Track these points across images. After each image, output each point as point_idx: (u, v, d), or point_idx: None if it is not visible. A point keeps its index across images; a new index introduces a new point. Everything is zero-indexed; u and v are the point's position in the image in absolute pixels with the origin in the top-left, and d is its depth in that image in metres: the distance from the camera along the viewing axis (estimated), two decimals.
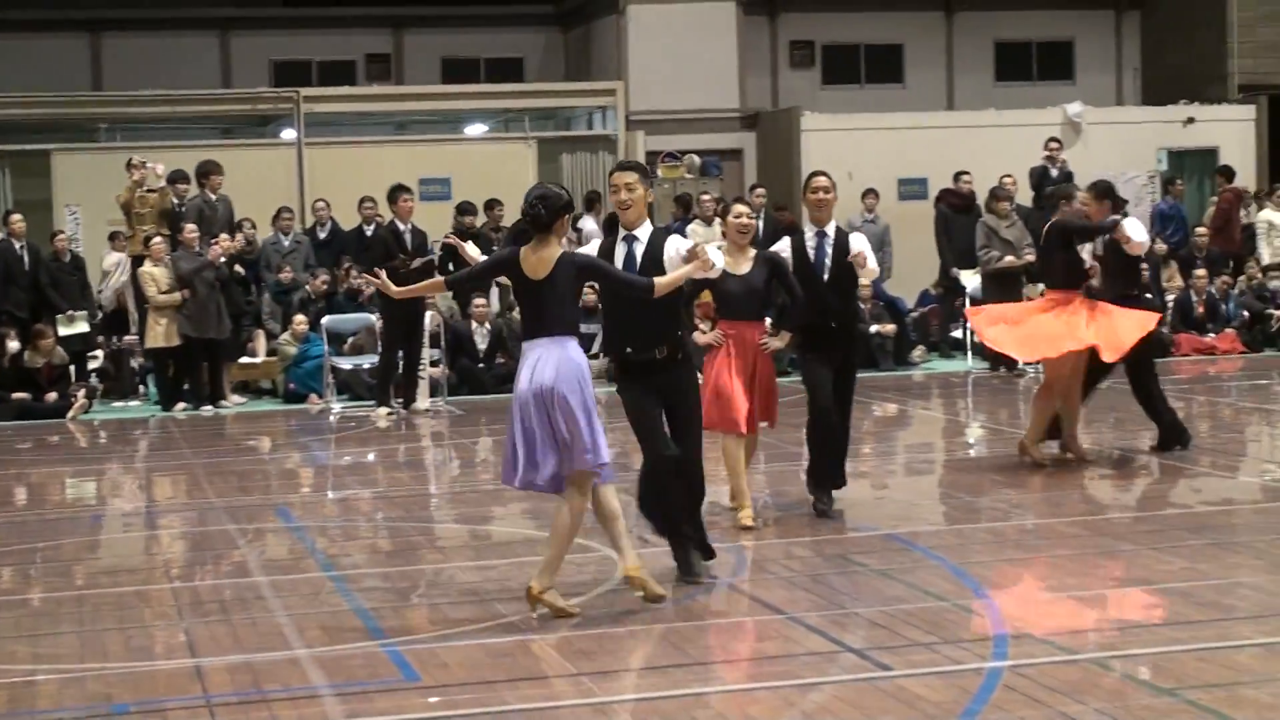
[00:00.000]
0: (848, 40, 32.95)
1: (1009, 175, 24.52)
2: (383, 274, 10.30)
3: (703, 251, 9.68)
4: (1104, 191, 14.72)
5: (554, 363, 9.14)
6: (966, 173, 24.40)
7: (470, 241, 12.08)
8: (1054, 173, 25.65)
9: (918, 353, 23.48)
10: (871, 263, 12.02)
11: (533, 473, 9.24)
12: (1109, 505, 12.96)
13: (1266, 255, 25.54)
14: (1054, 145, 26.02)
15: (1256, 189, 28.58)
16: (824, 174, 12.17)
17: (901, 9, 33.00)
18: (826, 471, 12.22)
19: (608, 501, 9.42)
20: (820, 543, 11.29)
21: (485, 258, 10.02)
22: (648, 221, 10.12)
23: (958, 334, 23.94)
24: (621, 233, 10.09)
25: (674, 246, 9.97)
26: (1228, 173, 27.93)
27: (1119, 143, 29.30)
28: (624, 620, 9.17)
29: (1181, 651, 8.21)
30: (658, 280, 9.57)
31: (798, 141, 28.60)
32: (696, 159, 28.88)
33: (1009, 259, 21.71)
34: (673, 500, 9.98)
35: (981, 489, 13.29)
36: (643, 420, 9.90)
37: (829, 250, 11.92)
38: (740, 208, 11.89)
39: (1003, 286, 21.08)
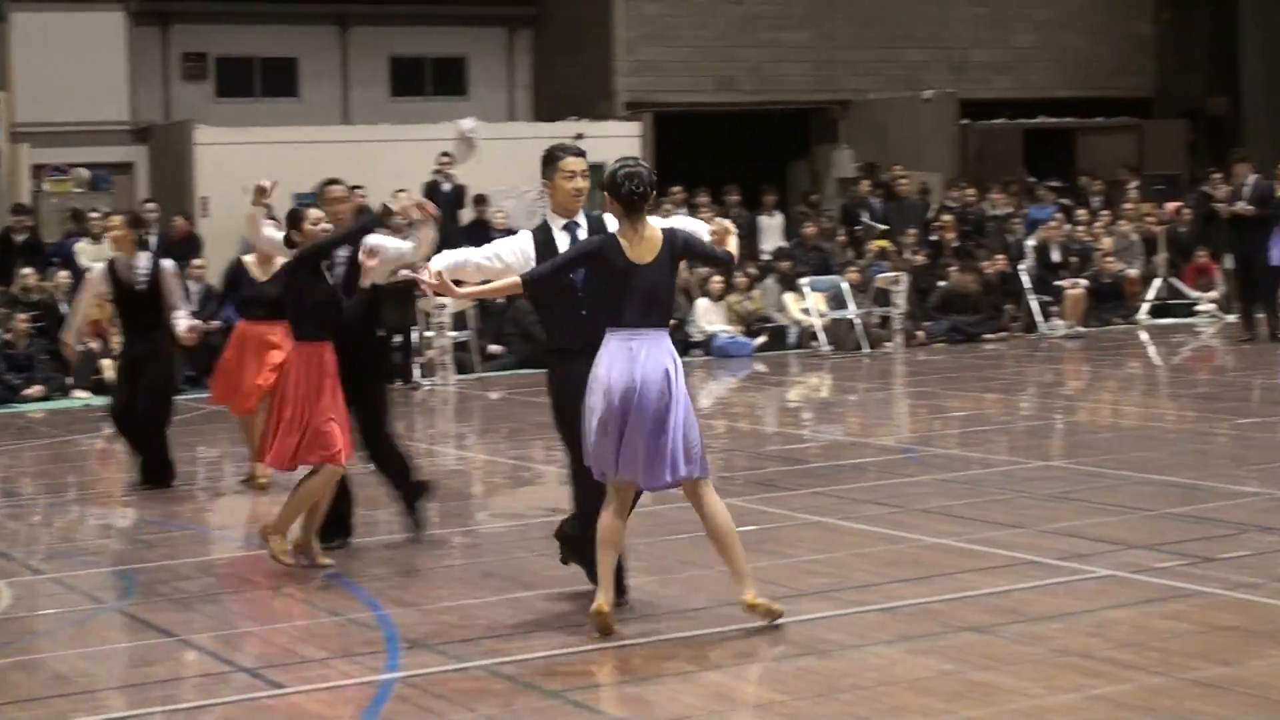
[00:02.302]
0: (242, 53, 32.57)
1: (404, 189, 24.68)
2: (446, 275, 9.37)
3: (726, 224, 9.41)
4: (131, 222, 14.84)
5: (658, 359, 8.72)
6: (361, 186, 24.44)
7: None
8: (446, 187, 26.08)
9: None
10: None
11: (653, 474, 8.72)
12: (500, 516, 13.17)
13: None
14: (445, 160, 26.38)
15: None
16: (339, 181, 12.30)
17: (296, 23, 32.83)
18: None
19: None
20: (210, 563, 11.16)
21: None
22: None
23: None
24: (562, 221, 9.58)
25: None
26: None
27: (512, 158, 29.79)
28: None
29: (571, 654, 8.40)
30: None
31: (191, 155, 28.14)
32: (86, 172, 28.12)
33: (405, 273, 21.83)
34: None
35: (378, 503, 13.30)
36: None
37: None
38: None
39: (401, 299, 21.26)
